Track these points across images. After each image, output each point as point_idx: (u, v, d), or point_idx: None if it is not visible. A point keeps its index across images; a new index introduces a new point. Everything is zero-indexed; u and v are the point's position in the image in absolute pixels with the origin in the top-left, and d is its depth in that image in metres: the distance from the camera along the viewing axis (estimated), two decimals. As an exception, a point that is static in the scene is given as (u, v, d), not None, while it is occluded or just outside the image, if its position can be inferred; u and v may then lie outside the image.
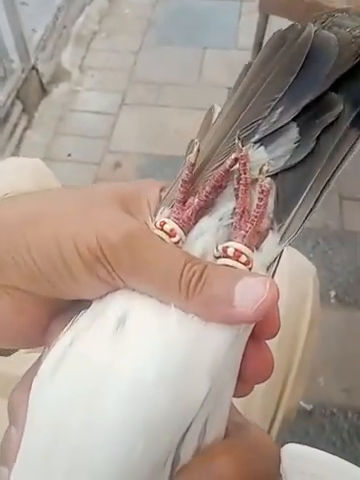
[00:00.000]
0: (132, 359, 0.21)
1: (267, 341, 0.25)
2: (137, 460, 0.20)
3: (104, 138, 1.64)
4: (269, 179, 0.24)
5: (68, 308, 0.25)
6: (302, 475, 0.33)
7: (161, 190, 0.27)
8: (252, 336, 0.24)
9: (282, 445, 0.38)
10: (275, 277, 0.25)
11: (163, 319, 0.22)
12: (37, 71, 1.73)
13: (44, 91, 1.77)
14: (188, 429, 0.21)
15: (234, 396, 0.25)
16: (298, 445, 0.39)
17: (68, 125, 1.70)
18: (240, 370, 0.24)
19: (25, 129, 1.67)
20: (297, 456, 0.37)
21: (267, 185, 0.24)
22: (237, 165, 0.25)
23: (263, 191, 0.24)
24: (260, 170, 0.24)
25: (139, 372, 0.21)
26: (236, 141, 0.24)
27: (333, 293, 1.23)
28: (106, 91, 1.80)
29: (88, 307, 0.24)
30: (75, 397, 0.21)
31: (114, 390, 0.20)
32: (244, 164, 0.24)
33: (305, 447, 0.39)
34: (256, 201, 0.24)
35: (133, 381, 0.20)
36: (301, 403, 1.05)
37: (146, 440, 0.20)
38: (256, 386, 0.25)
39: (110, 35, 2.00)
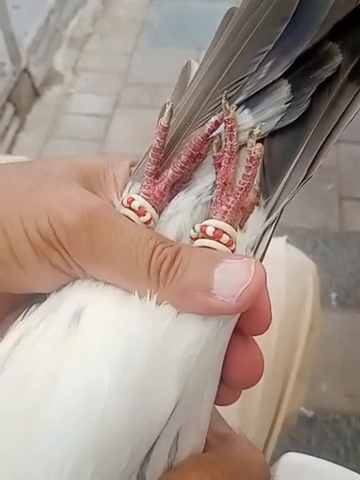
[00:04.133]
0: (84, 362, 0.17)
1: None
2: None
3: (98, 141, 1.61)
4: (260, 144, 0.20)
5: (26, 301, 0.21)
6: None
7: (132, 165, 0.23)
8: (237, 331, 0.20)
9: (282, 453, 0.35)
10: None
11: (124, 312, 0.18)
12: (29, 74, 1.70)
13: (37, 94, 1.74)
14: (154, 446, 0.17)
15: (217, 404, 0.21)
16: (298, 454, 0.35)
17: (61, 128, 1.67)
18: (223, 373, 0.20)
19: (17, 132, 1.64)
20: (297, 467, 0.34)
21: (257, 152, 0.20)
22: (218, 130, 0.21)
23: (252, 159, 0.20)
24: (250, 133, 0.20)
25: (91, 378, 0.17)
26: (223, 101, 0.21)
27: (334, 295, 1.19)
28: (100, 93, 1.77)
29: (45, 300, 0.20)
30: (15, 411, 0.17)
31: (61, 400, 0.16)
32: (231, 128, 0.20)
33: (306, 456, 0.35)
34: (243, 171, 0.20)
35: (84, 389, 0.17)
36: (302, 410, 1.01)
37: (98, 461, 0.16)
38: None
39: (104, 37, 1.98)
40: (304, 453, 0.34)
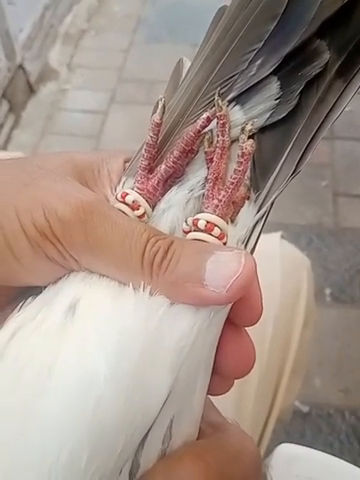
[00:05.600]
0: (79, 353, 0.18)
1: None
2: (81, 472, 0.17)
3: (94, 137, 1.61)
4: (251, 140, 0.21)
5: (23, 294, 0.21)
6: (297, 478, 0.30)
7: (126, 161, 0.23)
8: (229, 322, 0.21)
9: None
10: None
11: (118, 304, 0.18)
12: (24, 70, 1.69)
13: (32, 90, 1.74)
14: (148, 434, 0.18)
15: (210, 394, 0.21)
16: (293, 445, 0.36)
17: (57, 124, 1.67)
18: (215, 363, 0.21)
19: (12, 129, 1.63)
20: (292, 457, 0.34)
21: (249, 147, 0.21)
22: (210, 126, 0.21)
23: (244, 154, 0.21)
24: (242, 129, 0.21)
25: (87, 368, 0.17)
26: (216, 98, 0.21)
27: (328, 291, 1.20)
28: (95, 89, 1.77)
29: (41, 292, 0.21)
30: (12, 402, 0.17)
31: (56, 391, 0.17)
32: (223, 124, 0.21)
33: (301, 447, 0.36)
34: (234, 166, 0.21)
35: (79, 379, 0.17)
36: (297, 405, 1.02)
37: (93, 449, 0.17)
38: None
39: (99, 33, 1.97)
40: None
